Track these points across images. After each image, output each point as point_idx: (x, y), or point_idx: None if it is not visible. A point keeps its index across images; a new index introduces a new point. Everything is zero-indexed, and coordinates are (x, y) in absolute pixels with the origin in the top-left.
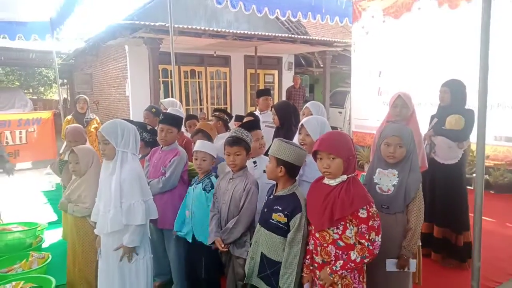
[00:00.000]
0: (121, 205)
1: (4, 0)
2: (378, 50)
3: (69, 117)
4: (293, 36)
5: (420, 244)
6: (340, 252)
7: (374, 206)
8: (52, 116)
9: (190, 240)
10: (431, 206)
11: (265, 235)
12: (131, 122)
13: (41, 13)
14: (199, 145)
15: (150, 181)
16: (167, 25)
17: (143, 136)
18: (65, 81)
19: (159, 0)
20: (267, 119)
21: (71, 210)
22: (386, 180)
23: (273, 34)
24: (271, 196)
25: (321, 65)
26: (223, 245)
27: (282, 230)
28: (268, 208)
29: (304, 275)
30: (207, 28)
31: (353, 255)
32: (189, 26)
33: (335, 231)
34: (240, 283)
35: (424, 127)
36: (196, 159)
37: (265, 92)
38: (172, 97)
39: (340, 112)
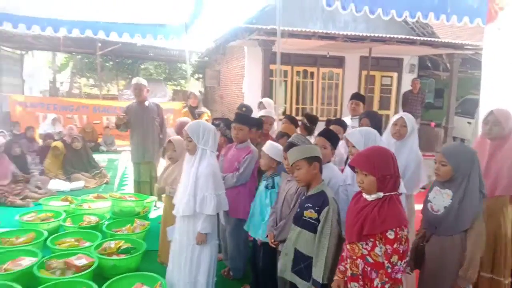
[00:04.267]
0: (194, 195)
1: (147, 6)
2: None
3: (184, 110)
4: (411, 37)
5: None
6: (369, 269)
7: (405, 230)
8: (182, 107)
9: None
10: None
11: (298, 232)
12: (226, 120)
13: (177, 16)
14: (266, 147)
15: (226, 175)
16: (276, 28)
17: (226, 132)
18: (200, 75)
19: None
20: (356, 125)
21: (168, 192)
22: (439, 200)
23: (388, 36)
24: (303, 197)
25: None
26: (272, 240)
27: (313, 226)
28: (300, 207)
29: (336, 278)
30: (316, 30)
31: (375, 282)
32: (299, 29)
33: (364, 246)
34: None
35: None
36: (262, 159)
37: (357, 97)
38: (272, 96)
39: (469, 123)
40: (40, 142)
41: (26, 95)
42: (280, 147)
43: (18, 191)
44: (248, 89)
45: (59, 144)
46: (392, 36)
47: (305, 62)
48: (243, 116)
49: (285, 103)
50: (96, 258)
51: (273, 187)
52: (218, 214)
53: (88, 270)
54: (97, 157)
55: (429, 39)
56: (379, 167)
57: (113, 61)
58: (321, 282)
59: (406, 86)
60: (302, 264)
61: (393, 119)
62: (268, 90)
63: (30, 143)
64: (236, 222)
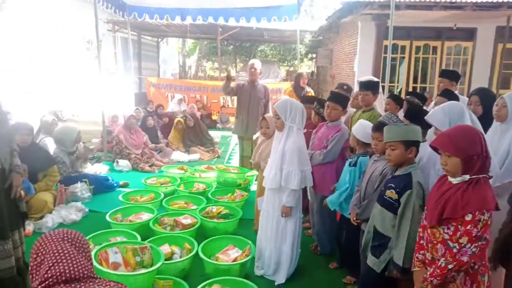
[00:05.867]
0: (281, 170)
1: None
2: None
3: (289, 88)
4: None
5: None
6: (448, 252)
7: (487, 214)
8: (291, 87)
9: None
10: None
11: (378, 210)
12: (320, 99)
13: None
14: (355, 127)
15: (314, 153)
16: None
17: (320, 111)
18: (313, 55)
19: None
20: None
21: (262, 166)
22: None
23: None
24: (390, 177)
25: None
26: (355, 218)
27: (393, 207)
28: (384, 185)
29: (416, 269)
30: (439, 0)
31: (440, 261)
32: None
33: (445, 230)
34: None
35: None
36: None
37: (448, 74)
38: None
39: None
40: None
41: (159, 78)
42: (369, 128)
43: (147, 159)
44: (359, 67)
45: (181, 120)
46: None
47: (427, 35)
48: (338, 95)
49: (398, 81)
50: (199, 220)
51: (355, 165)
52: (306, 189)
53: (192, 229)
54: (213, 133)
55: None
56: (464, 147)
57: (233, 45)
58: (402, 265)
59: None
60: (377, 242)
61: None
62: (379, 68)
63: (159, 119)
64: (322, 199)
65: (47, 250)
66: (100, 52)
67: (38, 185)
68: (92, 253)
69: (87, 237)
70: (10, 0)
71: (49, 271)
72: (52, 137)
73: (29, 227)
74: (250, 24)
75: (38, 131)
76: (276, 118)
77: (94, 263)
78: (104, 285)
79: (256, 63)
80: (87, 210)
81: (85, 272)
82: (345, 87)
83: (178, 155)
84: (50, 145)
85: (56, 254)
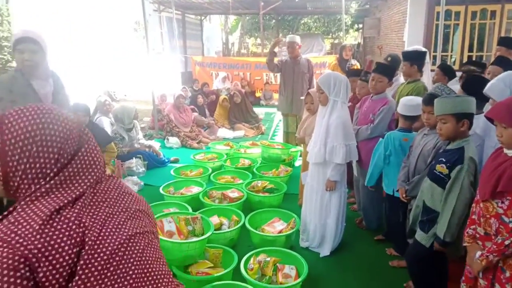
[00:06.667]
0: (325, 144)
1: None
2: None
3: (334, 61)
4: None
5: None
6: (504, 228)
7: None
8: (335, 60)
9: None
10: None
11: (428, 184)
12: (365, 72)
13: None
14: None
15: (360, 127)
16: None
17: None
18: (360, 26)
19: None
20: None
21: (306, 141)
22: None
23: None
24: (441, 151)
25: None
26: (404, 195)
27: (443, 182)
28: (435, 160)
29: (467, 244)
30: None
31: (497, 237)
32: None
33: (499, 204)
34: None
35: None
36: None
37: (507, 42)
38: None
39: None
40: (214, 97)
41: (203, 56)
42: (416, 102)
43: (195, 136)
44: (409, 37)
45: (226, 98)
46: None
47: None
48: (384, 66)
49: (452, 50)
50: (246, 193)
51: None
52: (350, 163)
53: (238, 202)
54: (257, 110)
55: None
56: None
57: (275, 19)
58: (442, 238)
59: None
60: (426, 216)
61: None
62: (431, 37)
63: (205, 97)
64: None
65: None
66: (147, 33)
67: None
68: None
69: None
70: None
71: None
72: (112, 115)
73: None
74: None
75: (94, 111)
76: (319, 93)
77: None
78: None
79: (294, 38)
80: (142, 183)
81: None
82: (389, 58)
83: (224, 132)
84: (106, 124)
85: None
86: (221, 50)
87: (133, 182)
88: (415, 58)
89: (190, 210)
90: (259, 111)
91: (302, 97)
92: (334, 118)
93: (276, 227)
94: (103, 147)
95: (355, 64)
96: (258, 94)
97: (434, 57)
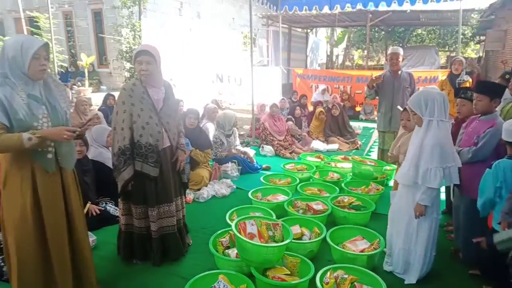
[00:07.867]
0: (416, 166)
1: None
2: None
3: (443, 78)
4: None
5: None
6: None
7: None
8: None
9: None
10: None
11: None
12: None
13: None
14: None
15: (461, 150)
16: None
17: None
18: (481, 38)
19: None
20: None
21: (400, 160)
22: None
23: None
24: None
25: None
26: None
27: None
28: None
29: None
30: None
31: None
32: None
33: None
34: None
35: None
36: None
37: None
38: None
39: None
40: (311, 108)
41: (304, 68)
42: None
43: (288, 145)
44: None
45: (323, 110)
46: None
47: None
48: (484, 84)
49: None
50: (330, 207)
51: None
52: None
53: (323, 215)
54: (355, 124)
55: None
56: None
57: (384, 31)
58: None
59: None
60: None
61: None
62: None
63: (303, 109)
64: (470, 201)
65: None
66: (255, 46)
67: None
68: (233, 223)
69: (232, 210)
70: (187, 7)
71: None
72: (216, 121)
73: (190, 195)
74: (403, 7)
75: (202, 116)
76: (412, 114)
77: (234, 231)
78: None
79: (396, 50)
80: (235, 186)
81: None
82: (507, 76)
83: (317, 144)
84: (211, 129)
85: None
86: (325, 62)
87: (227, 185)
88: None
89: (274, 216)
90: (357, 125)
91: (401, 108)
92: (429, 139)
93: (358, 245)
94: (202, 150)
95: (467, 80)
96: (358, 109)
97: None
